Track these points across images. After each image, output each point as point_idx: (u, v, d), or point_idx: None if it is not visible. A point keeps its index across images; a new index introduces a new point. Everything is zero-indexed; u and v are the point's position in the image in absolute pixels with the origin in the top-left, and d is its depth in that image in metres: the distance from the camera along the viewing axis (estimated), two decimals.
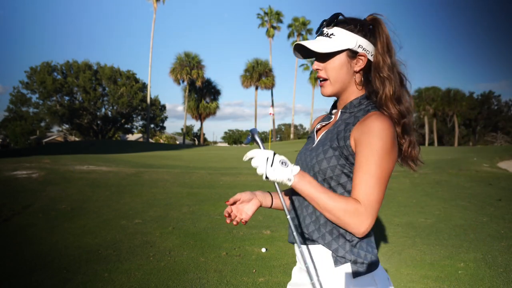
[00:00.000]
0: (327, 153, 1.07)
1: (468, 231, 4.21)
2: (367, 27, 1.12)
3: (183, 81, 40.10)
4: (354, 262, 1.03)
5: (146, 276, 3.09)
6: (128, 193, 6.31)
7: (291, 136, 46.77)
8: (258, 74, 39.90)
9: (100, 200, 5.80)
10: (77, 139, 48.54)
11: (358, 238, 1.04)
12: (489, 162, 10.18)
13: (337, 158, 1.05)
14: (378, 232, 4.26)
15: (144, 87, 47.55)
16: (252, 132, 1.12)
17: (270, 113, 21.33)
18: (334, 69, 1.11)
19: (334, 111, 1.22)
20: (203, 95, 42.33)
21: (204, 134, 52.34)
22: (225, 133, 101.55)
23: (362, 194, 0.97)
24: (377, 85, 1.09)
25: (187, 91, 40.33)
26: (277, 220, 4.83)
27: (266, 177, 1.00)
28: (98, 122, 47.11)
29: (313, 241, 1.08)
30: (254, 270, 3.23)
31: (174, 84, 42.37)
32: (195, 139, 70.59)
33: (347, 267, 1.03)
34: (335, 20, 1.11)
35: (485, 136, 55.05)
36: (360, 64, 1.12)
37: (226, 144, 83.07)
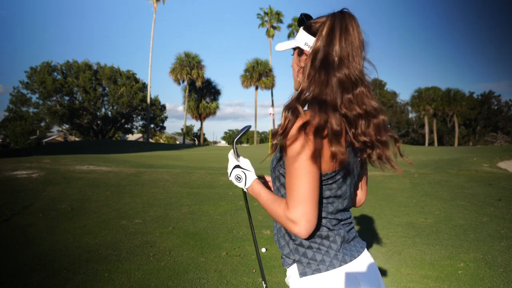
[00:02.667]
0: (276, 153, 1.10)
1: (468, 231, 4.21)
2: (314, 23, 1.12)
3: (183, 81, 40.12)
4: (299, 262, 1.02)
5: (146, 276, 3.09)
6: (128, 193, 6.32)
7: None
8: (258, 74, 39.90)
9: (100, 200, 5.80)
10: (77, 139, 48.54)
11: (306, 238, 1.01)
12: (489, 162, 10.18)
13: (276, 157, 1.09)
14: (378, 232, 4.26)
15: (144, 87, 47.55)
16: (237, 134, 1.29)
17: (270, 113, 21.33)
18: (294, 66, 1.19)
19: None
20: (203, 95, 42.34)
21: (204, 134, 52.35)
22: (225, 133, 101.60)
23: (287, 197, 0.98)
24: (302, 76, 1.12)
25: (187, 91, 40.33)
26: None
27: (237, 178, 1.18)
28: (98, 122, 47.11)
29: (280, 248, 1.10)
30: (254, 270, 3.23)
31: (174, 84, 42.44)
32: (195, 139, 70.59)
33: (294, 267, 1.03)
34: (302, 21, 1.15)
35: (485, 136, 55.05)
36: (303, 59, 1.14)
37: (226, 144, 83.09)
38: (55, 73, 44.89)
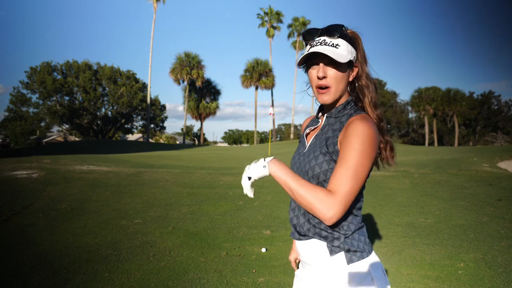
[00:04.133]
0: (318, 159, 1.16)
1: (468, 231, 4.21)
2: (353, 39, 1.21)
3: (183, 81, 40.11)
4: (347, 251, 1.14)
5: (146, 276, 3.09)
6: (128, 193, 6.32)
7: (291, 136, 46.75)
8: (258, 74, 39.89)
9: (100, 200, 5.80)
10: (77, 139, 48.53)
11: (351, 230, 1.15)
12: (489, 162, 10.18)
13: (327, 163, 1.14)
14: (378, 232, 4.26)
15: (144, 87, 47.55)
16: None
17: (270, 113, 21.34)
18: (338, 78, 1.18)
19: (319, 114, 1.32)
20: (203, 95, 42.33)
21: (204, 134, 52.34)
22: (225, 133, 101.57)
23: (335, 184, 1.04)
24: (360, 92, 1.23)
25: (187, 91, 40.32)
26: (277, 220, 4.83)
27: (249, 177, 1.13)
28: (98, 122, 47.10)
29: (310, 237, 1.19)
30: (254, 270, 3.23)
31: (174, 84, 42.40)
32: (195, 139, 70.57)
33: (341, 256, 1.14)
34: (339, 32, 1.17)
35: (485, 136, 55.04)
36: (353, 74, 1.22)
37: (226, 144, 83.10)
38: (55, 73, 44.88)
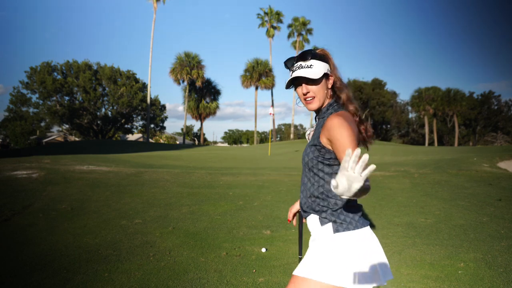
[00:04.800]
0: (309, 150, 1.53)
1: (468, 231, 4.21)
2: (324, 56, 1.58)
3: (183, 81, 40.11)
4: (334, 222, 1.44)
5: (146, 276, 3.10)
6: (128, 193, 6.32)
7: (291, 136, 46.75)
8: (258, 74, 39.89)
9: (100, 200, 5.80)
10: (77, 139, 48.53)
11: (338, 206, 1.44)
12: (489, 162, 10.18)
13: (313, 152, 1.50)
14: (378, 232, 4.26)
15: (144, 87, 47.55)
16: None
17: (270, 113, 21.34)
18: (320, 89, 1.55)
19: (316, 117, 1.66)
20: (203, 95, 42.33)
21: (204, 134, 52.33)
22: (225, 133, 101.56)
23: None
24: (339, 93, 1.57)
25: (187, 91, 40.32)
26: (277, 220, 4.83)
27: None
28: (98, 122, 47.10)
29: (309, 213, 1.53)
30: (254, 270, 3.24)
31: (174, 84, 42.43)
32: (195, 139, 70.58)
33: (329, 226, 1.44)
34: (310, 55, 1.54)
35: (485, 136, 55.04)
36: (330, 82, 1.58)
37: (226, 144, 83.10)
38: (55, 73, 44.88)
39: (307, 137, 1.66)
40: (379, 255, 1.40)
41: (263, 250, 3.72)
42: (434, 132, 49.38)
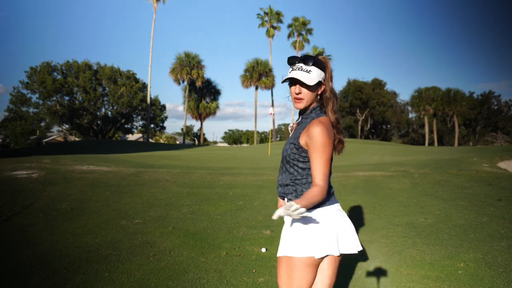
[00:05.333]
0: (290, 145, 1.77)
1: (468, 231, 4.21)
2: (323, 65, 1.74)
3: (183, 81, 40.10)
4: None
5: (146, 276, 3.10)
6: (128, 193, 6.32)
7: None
8: (258, 74, 39.87)
9: (100, 200, 5.80)
10: (77, 139, 48.54)
11: (303, 192, 1.71)
12: (489, 162, 10.17)
13: (291, 149, 1.76)
14: (378, 232, 4.26)
15: (144, 87, 47.54)
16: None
17: (271, 113, 21.35)
18: (310, 93, 1.74)
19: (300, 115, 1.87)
20: (203, 95, 42.32)
21: (204, 134, 52.33)
22: (225, 133, 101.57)
23: (315, 177, 1.63)
24: (325, 102, 1.76)
25: (187, 91, 40.32)
26: (277, 220, 4.83)
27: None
28: (98, 122, 47.09)
29: (281, 196, 1.83)
30: (254, 270, 3.24)
31: (174, 84, 42.42)
32: (195, 139, 70.59)
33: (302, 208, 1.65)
34: (312, 61, 1.70)
35: (485, 136, 55.04)
36: (321, 89, 1.76)
37: (226, 144, 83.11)
38: (55, 73, 44.87)
39: (290, 130, 1.88)
40: (340, 228, 1.69)
41: (263, 250, 3.72)
42: (434, 132, 49.38)
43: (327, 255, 1.66)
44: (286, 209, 1.46)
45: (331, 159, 1.68)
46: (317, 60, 1.70)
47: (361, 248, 1.74)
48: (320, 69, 1.71)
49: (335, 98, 1.76)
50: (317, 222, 1.65)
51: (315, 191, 1.59)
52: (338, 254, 1.66)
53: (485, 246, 3.72)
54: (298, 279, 1.65)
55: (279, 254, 1.76)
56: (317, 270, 1.69)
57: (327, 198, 1.68)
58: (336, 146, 1.75)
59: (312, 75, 1.69)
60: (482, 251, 3.56)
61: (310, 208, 1.62)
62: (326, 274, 1.72)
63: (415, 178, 7.63)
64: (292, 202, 1.47)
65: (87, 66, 45.46)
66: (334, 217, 1.69)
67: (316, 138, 1.62)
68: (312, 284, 1.70)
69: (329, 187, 1.69)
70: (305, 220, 1.66)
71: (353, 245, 1.70)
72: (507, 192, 6.24)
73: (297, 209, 1.45)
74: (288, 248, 1.69)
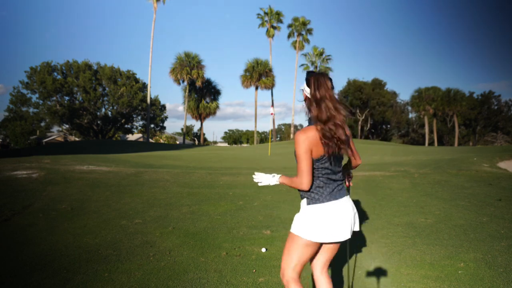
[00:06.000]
0: None
1: (468, 231, 4.21)
2: (309, 82, 2.09)
3: (183, 81, 40.11)
4: (307, 198, 2.08)
5: (146, 276, 3.10)
6: (128, 193, 6.32)
7: (291, 136, 46.77)
8: (258, 74, 39.87)
9: (100, 200, 5.80)
10: (77, 139, 48.54)
11: (310, 190, 2.06)
12: (489, 162, 10.18)
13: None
14: (378, 232, 4.26)
15: (144, 87, 47.55)
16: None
17: (272, 113, 21.37)
18: (305, 107, 2.15)
19: None
20: (203, 95, 42.32)
21: (204, 134, 52.32)
22: (225, 133, 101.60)
23: (297, 171, 2.02)
24: (310, 112, 2.08)
25: (187, 91, 40.32)
26: (277, 220, 4.83)
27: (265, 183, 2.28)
28: (98, 122, 47.10)
29: (302, 197, 2.16)
30: (254, 270, 3.24)
31: (174, 84, 42.45)
32: (195, 139, 70.60)
33: (305, 200, 2.10)
34: (305, 81, 2.12)
35: (485, 136, 55.05)
36: (307, 103, 2.12)
37: (226, 144, 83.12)
38: (55, 73, 44.88)
39: None
40: (336, 221, 2.03)
41: (263, 250, 3.72)
42: (434, 132, 49.37)
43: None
44: (269, 176, 2.23)
45: (312, 161, 2.01)
46: (307, 80, 2.11)
47: (357, 229, 2.17)
48: (308, 86, 2.09)
49: (318, 105, 2.02)
50: (313, 215, 2.06)
51: (294, 180, 2.04)
52: (327, 242, 2.10)
53: (485, 246, 3.72)
54: (294, 252, 2.15)
55: (290, 230, 2.20)
56: (315, 249, 2.13)
57: (326, 190, 2.07)
58: (333, 146, 2.00)
59: (302, 93, 2.16)
60: (482, 251, 3.56)
61: (312, 203, 2.06)
62: (330, 247, 2.18)
63: (415, 178, 7.63)
64: (275, 174, 2.22)
65: (87, 66, 45.46)
66: (329, 212, 2.04)
67: (295, 143, 2.03)
68: (308, 259, 2.14)
69: (325, 186, 2.06)
70: (307, 211, 2.08)
71: (345, 234, 2.07)
72: (507, 192, 6.24)
73: (276, 179, 2.19)
74: (295, 227, 2.11)
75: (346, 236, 2.07)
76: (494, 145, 47.85)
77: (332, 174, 2.06)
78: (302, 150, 1.98)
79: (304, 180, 1.98)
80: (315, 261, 2.24)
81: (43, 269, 3.20)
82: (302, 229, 2.05)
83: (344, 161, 2.27)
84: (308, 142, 1.99)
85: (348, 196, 2.19)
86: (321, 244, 2.15)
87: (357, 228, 2.16)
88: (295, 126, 51.93)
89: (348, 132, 2.10)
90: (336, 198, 2.05)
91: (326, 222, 2.02)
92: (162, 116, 53.69)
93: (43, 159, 10.01)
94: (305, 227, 2.04)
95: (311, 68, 44.32)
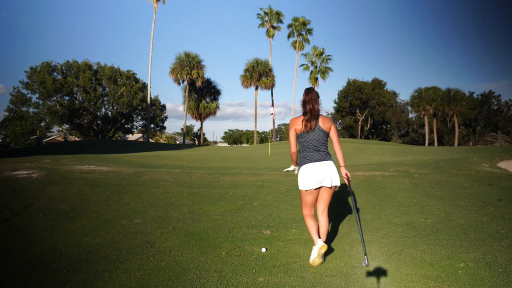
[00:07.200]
0: None
1: (468, 231, 4.21)
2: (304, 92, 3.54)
3: (183, 81, 40.12)
4: (299, 164, 3.51)
5: (146, 276, 3.10)
6: (128, 193, 6.32)
7: None
8: (258, 74, 39.88)
9: (100, 200, 5.80)
10: (77, 139, 48.55)
11: (299, 158, 3.50)
12: (489, 162, 10.17)
13: None
14: (378, 232, 4.26)
15: (144, 87, 47.57)
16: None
17: (272, 113, 21.37)
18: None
19: None
20: (203, 95, 42.33)
21: (204, 134, 52.33)
22: (225, 133, 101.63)
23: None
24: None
25: (187, 91, 40.32)
26: (277, 220, 4.83)
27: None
28: (98, 122, 47.10)
29: None
30: (254, 270, 3.24)
31: (174, 84, 42.47)
32: (195, 139, 70.61)
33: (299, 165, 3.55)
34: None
35: (485, 136, 55.04)
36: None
37: (226, 144, 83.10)
38: (55, 73, 44.90)
39: None
40: (312, 175, 3.35)
41: (263, 250, 3.72)
42: (434, 132, 49.35)
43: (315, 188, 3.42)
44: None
45: (296, 137, 3.44)
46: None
47: (337, 184, 3.43)
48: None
49: (303, 106, 3.44)
50: (301, 172, 3.43)
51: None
52: (314, 188, 3.39)
53: (485, 246, 3.72)
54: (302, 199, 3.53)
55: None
56: (312, 197, 3.44)
57: (306, 158, 3.41)
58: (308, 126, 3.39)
59: None
60: (482, 251, 3.56)
61: (301, 165, 3.44)
62: (321, 196, 3.50)
63: (415, 178, 7.63)
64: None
65: (87, 66, 45.47)
66: (311, 170, 3.36)
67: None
68: (310, 202, 3.45)
69: (302, 154, 3.44)
70: (300, 170, 3.45)
71: (327, 182, 3.38)
72: (507, 192, 6.23)
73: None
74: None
75: (323, 185, 3.38)
76: (494, 145, 47.86)
77: (309, 148, 3.39)
78: (289, 134, 3.52)
79: (291, 151, 3.58)
80: (317, 205, 3.51)
81: (43, 269, 3.20)
82: (298, 183, 3.45)
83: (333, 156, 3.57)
84: (292, 124, 3.46)
85: (329, 161, 3.38)
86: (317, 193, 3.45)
87: (335, 183, 3.39)
88: None
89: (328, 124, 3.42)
90: (312, 161, 3.35)
91: (305, 176, 3.37)
92: (162, 116, 53.70)
93: (43, 159, 10.01)
94: (301, 180, 3.41)
95: (311, 68, 44.33)
